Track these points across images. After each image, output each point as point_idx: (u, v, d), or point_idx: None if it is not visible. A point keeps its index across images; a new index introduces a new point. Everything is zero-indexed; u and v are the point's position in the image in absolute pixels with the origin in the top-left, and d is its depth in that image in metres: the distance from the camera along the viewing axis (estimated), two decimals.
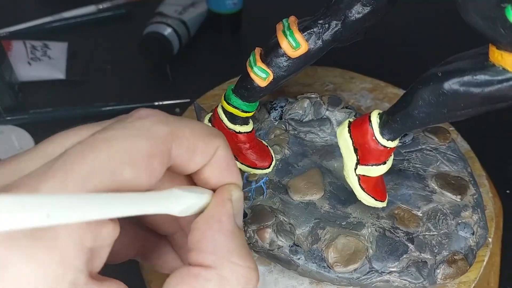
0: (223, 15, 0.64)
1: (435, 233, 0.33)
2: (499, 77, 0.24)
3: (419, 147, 0.38)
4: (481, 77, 0.24)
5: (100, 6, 0.69)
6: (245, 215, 0.34)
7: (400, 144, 0.38)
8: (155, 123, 0.20)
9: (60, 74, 0.58)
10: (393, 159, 0.37)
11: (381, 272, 0.31)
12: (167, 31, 0.59)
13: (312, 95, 0.40)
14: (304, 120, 0.40)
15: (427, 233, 0.33)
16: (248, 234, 0.33)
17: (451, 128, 0.44)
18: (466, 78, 0.24)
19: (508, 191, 0.46)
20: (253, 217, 0.33)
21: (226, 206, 0.22)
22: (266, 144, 0.38)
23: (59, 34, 0.65)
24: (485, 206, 0.38)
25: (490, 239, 0.36)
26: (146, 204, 0.19)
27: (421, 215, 0.34)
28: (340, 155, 0.37)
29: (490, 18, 0.22)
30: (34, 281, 0.17)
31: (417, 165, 0.37)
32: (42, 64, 0.58)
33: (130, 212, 0.18)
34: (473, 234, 0.33)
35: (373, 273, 0.31)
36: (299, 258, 0.32)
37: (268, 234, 0.32)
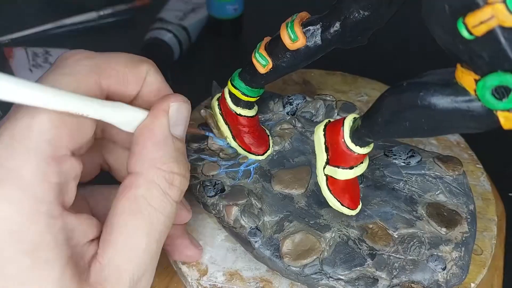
0: (224, 21, 0.64)
1: (402, 257, 0.32)
2: (459, 97, 0.23)
3: (423, 171, 0.37)
4: (440, 92, 0.23)
5: (101, 13, 0.69)
6: (222, 190, 0.35)
7: (403, 164, 0.37)
8: (78, 60, 0.22)
9: None
10: (390, 177, 0.36)
11: (329, 276, 0.31)
12: (168, 36, 0.59)
13: (328, 97, 0.40)
14: (314, 120, 0.40)
15: (393, 254, 0.32)
16: (218, 208, 0.34)
17: (478, 165, 0.41)
18: (425, 92, 0.24)
19: (510, 194, 0.44)
20: (228, 194, 0.35)
21: (159, 116, 0.24)
22: (268, 134, 0.39)
23: (61, 41, 0.65)
24: (481, 250, 0.35)
25: (473, 284, 0.34)
26: (95, 104, 0.21)
27: (396, 236, 0.33)
28: None
29: (449, 33, 0.22)
30: (11, 218, 0.19)
31: (413, 189, 0.36)
32: (43, 71, 0.58)
33: (79, 109, 0.20)
34: (443, 269, 0.31)
35: (321, 274, 0.31)
36: (256, 241, 0.33)
37: (234, 211, 0.34)
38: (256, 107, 0.37)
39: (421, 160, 0.37)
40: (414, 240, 0.33)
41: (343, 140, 0.29)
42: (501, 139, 0.47)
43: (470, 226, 0.34)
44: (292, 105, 0.41)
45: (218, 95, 0.39)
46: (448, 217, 0.34)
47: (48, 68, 0.61)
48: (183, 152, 0.24)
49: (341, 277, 0.31)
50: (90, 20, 0.68)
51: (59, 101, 0.19)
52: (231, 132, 0.38)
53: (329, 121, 0.31)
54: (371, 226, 0.33)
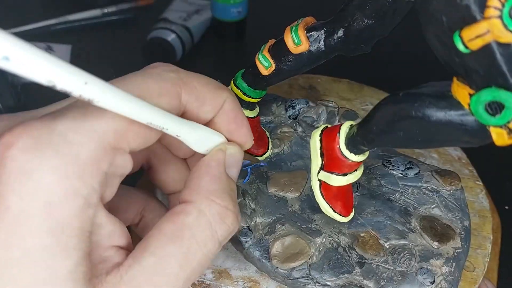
0: (227, 23, 0.64)
1: (391, 268, 0.32)
2: (452, 110, 0.23)
3: (419, 184, 0.36)
4: (435, 104, 0.23)
5: (105, 10, 0.69)
6: None
7: (401, 175, 0.37)
8: (165, 71, 0.22)
9: None
10: (386, 187, 0.36)
11: (316, 281, 0.31)
12: (171, 37, 0.59)
13: (330, 104, 0.41)
14: (315, 125, 0.40)
15: (382, 264, 0.32)
16: None
17: (478, 182, 0.41)
18: (419, 103, 0.24)
19: (507, 207, 0.44)
20: None
21: (218, 154, 0.24)
22: (268, 136, 0.39)
23: (63, 36, 0.65)
24: (473, 267, 0.35)
25: None
26: (175, 121, 0.21)
27: (387, 246, 0.33)
28: None
29: (445, 45, 0.22)
30: (53, 189, 0.18)
31: (408, 201, 0.36)
32: None
33: (160, 123, 0.20)
34: (432, 283, 0.31)
35: (308, 279, 0.31)
36: (246, 241, 0.33)
37: None
38: (257, 109, 0.38)
39: (419, 172, 0.37)
40: (405, 252, 0.32)
41: (338, 146, 0.29)
42: (500, 153, 0.48)
43: (463, 242, 0.34)
44: (295, 109, 0.41)
45: None
46: (441, 231, 0.34)
47: None
48: (235, 194, 0.24)
49: (328, 283, 0.31)
50: (93, 17, 0.68)
51: (143, 113, 0.20)
52: None
53: (326, 126, 0.31)
54: (362, 234, 0.33)
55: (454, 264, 0.32)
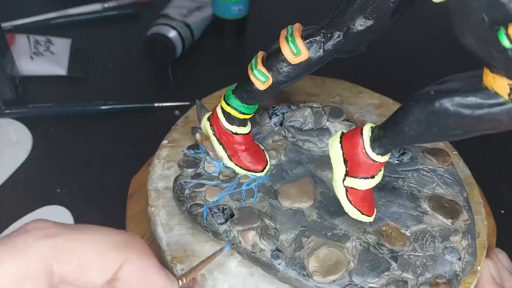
0: (228, 21, 0.65)
1: (421, 254, 0.33)
2: (490, 101, 0.24)
3: (416, 167, 0.38)
4: (472, 99, 0.24)
5: (106, 5, 0.69)
6: (232, 215, 0.34)
7: (397, 162, 0.38)
8: (37, 238, 0.19)
9: (61, 70, 0.58)
10: (388, 176, 0.37)
11: (361, 286, 0.31)
12: (171, 33, 0.59)
13: (315, 105, 0.40)
14: (304, 129, 0.40)
15: (412, 253, 0.33)
16: (232, 234, 0.33)
17: (454, 152, 0.44)
18: (457, 98, 0.24)
19: (502, 211, 0.46)
20: (239, 218, 0.33)
21: None
22: (263, 148, 0.38)
23: (63, 30, 0.65)
24: (478, 233, 0.38)
25: (479, 267, 0.35)
26: None
27: (409, 234, 0.34)
28: None
29: (484, 41, 0.22)
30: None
31: (412, 185, 0.37)
32: (44, 59, 0.58)
33: None
34: (459, 259, 0.33)
35: (352, 286, 0.31)
36: (280, 264, 0.32)
37: (252, 236, 0.32)
38: (249, 123, 0.36)
39: (412, 156, 0.39)
40: (427, 236, 0.34)
41: (364, 151, 0.29)
42: (494, 156, 0.51)
43: (469, 213, 0.36)
44: (278, 115, 0.40)
45: (208, 114, 0.37)
46: (450, 208, 0.35)
47: (49, 56, 0.59)
48: None
49: (372, 285, 0.31)
50: (94, 11, 0.69)
51: None
52: (226, 152, 0.36)
53: (342, 133, 0.31)
54: (384, 228, 0.34)
55: (469, 236, 0.35)
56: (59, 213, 0.44)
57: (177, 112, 0.54)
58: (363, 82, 0.50)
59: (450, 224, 0.35)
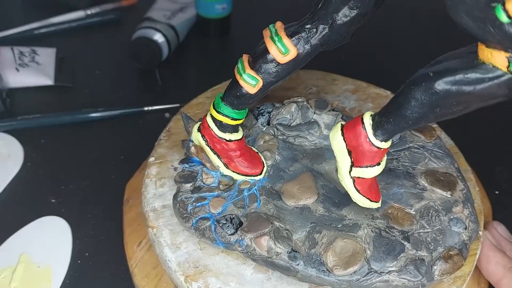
0: (212, 20, 0.65)
1: (429, 230, 0.34)
2: (490, 75, 0.24)
3: (407, 145, 0.39)
4: (472, 75, 0.25)
5: (89, 12, 0.69)
6: (241, 223, 0.33)
7: None
8: None
9: (48, 80, 0.57)
10: None
11: (380, 272, 0.31)
12: (157, 36, 0.59)
13: (299, 99, 0.40)
14: (292, 125, 0.40)
15: (421, 230, 0.34)
16: (245, 243, 0.32)
17: (435, 125, 0.45)
18: (458, 77, 0.25)
19: (497, 192, 0.47)
20: (249, 225, 0.33)
21: None
22: (256, 151, 0.37)
23: (48, 39, 0.64)
24: (473, 200, 0.39)
25: (480, 232, 0.37)
26: None
27: (414, 213, 0.35)
28: (331, 158, 0.37)
29: (480, 18, 0.23)
30: None
31: (406, 164, 0.38)
32: (30, 70, 0.57)
33: None
34: (465, 228, 0.34)
35: (372, 273, 0.31)
36: (298, 264, 0.32)
37: (266, 241, 0.32)
38: (241, 128, 0.36)
39: (400, 136, 0.39)
40: (431, 211, 0.35)
41: (367, 139, 0.29)
42: (486, 138, 0.53)
43: (463, 182, 0.37)
44: (264, 115, 0.40)
45: (197, 125, 0.36)
46: (446, 180, 0.37)
47: (34, 67, 0.58)
48: None
49: (391, 269, 0.31)
50: (77, 19, 0.68)
51: None
52: (221, 161, 0.35)
53: (342, 124, 0.31)
54: (390, 211, 0.35)
55: (468, 204, 0.36)
56: (56, 224, 0.44)
57: (167, 115, 0.54)
58: (334, 70, 0.50)
59: (449, 196, 0.36)
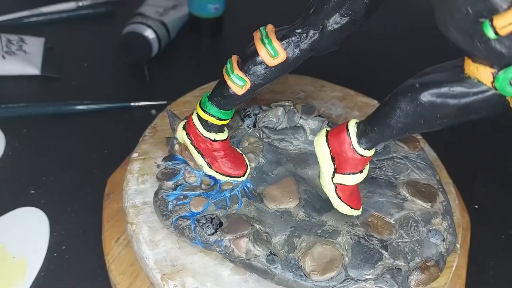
0: (204, 19, 0.65)
1: (408, 240, 0.34)
2: (475, 89, 0.25)
3: (390, 155, 0.39)
4: (458, 88, 0.25)
5: (80, 3, 0.68)
6: (221, 224, 0.33)
7: None
8: None
9: (35, 70, 0.57)
10: None
11: (357, 279, 0.31)
12: (147, 31, 0.59)
13: (286, 103, 0.40)
14: (277, 128, 0.40)
15: (400, 240, 0.34)
16: (224, 244, 0.32)
17: (419, 137, 0.45)
18: (443, 89, 0.25)
19: (476, 206, 0.47)
20: (229, 226, 0.33)
21: None
22: (241, 152, 0.37)
23: (37, 29, 0.63)
24: (452, 212, 0.39)
25: (458, 245, 0.37)
26: None
27: (393, 222, 0.35)
28: (314, 163, 0.37)
29: (468, 34, 0.23)
30: None
31: (388, 173, 0.38)
32: (17, 59, 0.57)
33: None
34: (443, 240, 0.34)
35: (349, 281, 0.31)
36: (276, 267, 0.32)
37: (245, 243, 0.32)
38: (226, 129, 0.35)
39: (384, 145, 0.40)
40: (410, 221, 0.35)
41: (351, 147, 0.29)
42: (467, 152, 0.53)
43: (444, 195, 0.38)
44: (251, 117, 0.40)
45: (183, 123, 0.36)
46: (427, 192, 0.37)
47: (21, 56, 0.57)
48: None
49: (368, 276, 0.32)
50: (68, 10, 0.67)
51: None
52: (205, 160, 0.35)
53: (326, 130, 0.31)
54: (370, 219, 0.35)
55: (447, 216, 0.36)
56: (34, 215, 0.43)
57: (153, 111, 0.54)
58: (323, 76, 0.51)
59: (429, 207, 0.36)
